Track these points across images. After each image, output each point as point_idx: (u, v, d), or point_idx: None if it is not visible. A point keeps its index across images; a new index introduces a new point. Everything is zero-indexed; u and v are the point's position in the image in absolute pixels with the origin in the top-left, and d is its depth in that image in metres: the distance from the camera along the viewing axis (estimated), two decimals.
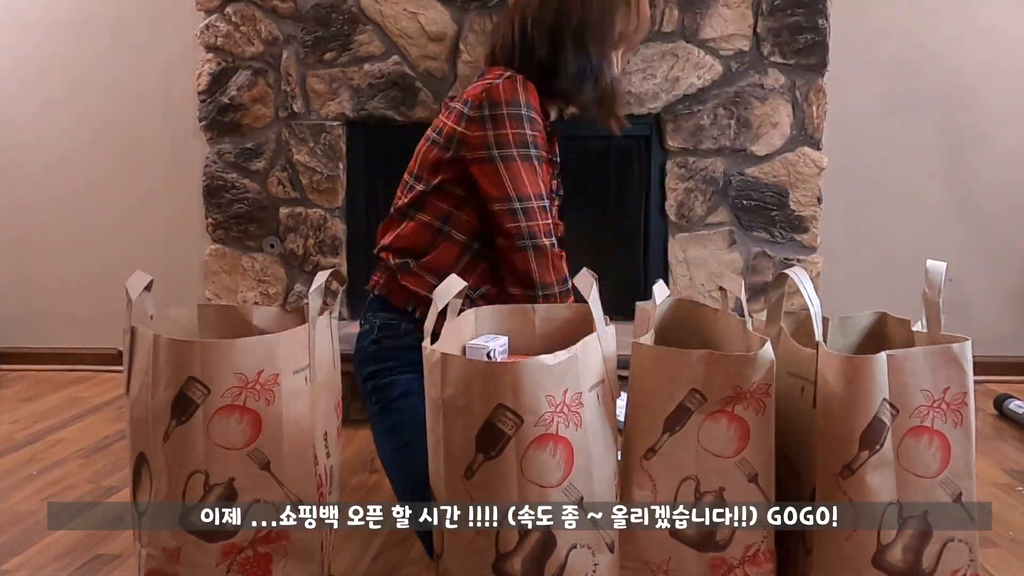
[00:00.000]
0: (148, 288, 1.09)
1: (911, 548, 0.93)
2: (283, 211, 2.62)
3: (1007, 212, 2.67)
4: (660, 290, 1.11)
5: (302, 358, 1.05)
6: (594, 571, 0.94)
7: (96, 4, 2.76)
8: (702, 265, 2.57)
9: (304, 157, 2.59)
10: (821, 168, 2.51)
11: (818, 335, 0.96)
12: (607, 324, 1.04)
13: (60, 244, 2.84)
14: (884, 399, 0.91)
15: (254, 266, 2.64)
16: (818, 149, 2.51)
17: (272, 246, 2.63)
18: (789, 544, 1.01)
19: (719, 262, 2.57)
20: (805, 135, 2.51)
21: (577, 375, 0.95)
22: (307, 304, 1.08)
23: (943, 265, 1.00)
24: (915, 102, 2.64)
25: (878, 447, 0.91)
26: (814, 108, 2.49)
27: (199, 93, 2.59)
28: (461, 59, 2.52)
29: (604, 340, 1.03)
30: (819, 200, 2.52)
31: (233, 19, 2.56)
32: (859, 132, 2.64)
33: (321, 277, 1.11)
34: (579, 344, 0.98)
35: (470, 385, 0.92)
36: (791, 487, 1.01)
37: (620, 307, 2.71)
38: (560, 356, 0.95)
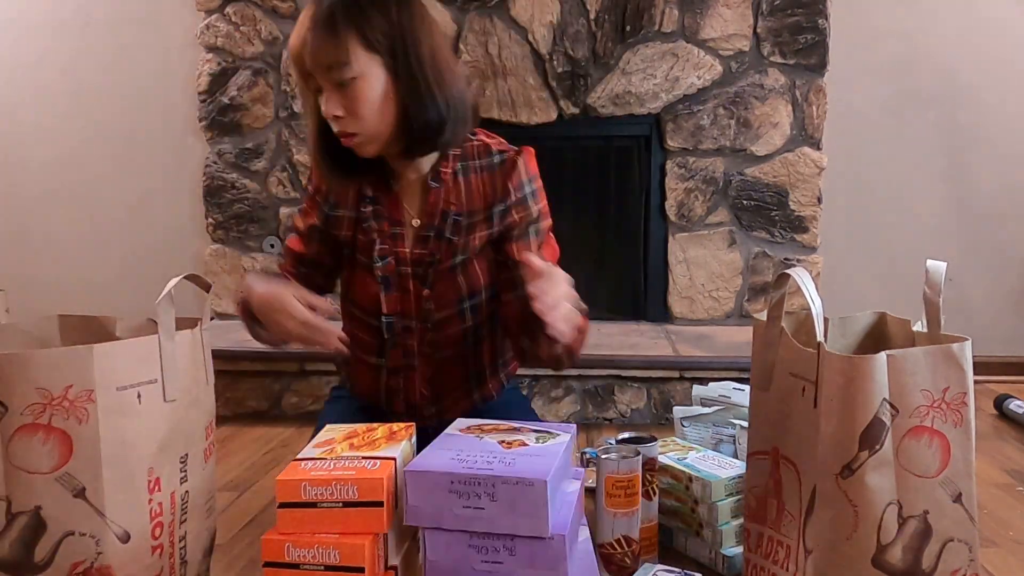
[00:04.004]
0: None
1: (911, 548, 0.93)
2: (283, 211, 2.62)
3: (1007, 212, 2.67)
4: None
5: (135, 373, 0.94)
6: None
7: (96, 4, 2.75)
8: (702, 265, 2.57)
9: (304, 157, 2.59)
10: (821, 168, 2.51)
11: (819, 335, 0.96)
12: None
13: (60, 244, 2.84)
14: (884, 399, 0.91)
15: (254, 266, 2.64)
16: (818, 149, 2.51)
17: (272, 246, 2.63)
18: (789, 544, 1.01)
19: (719, 262, 2.57)
20: (805, 135, 2.51)
21: None
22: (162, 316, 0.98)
23: (943, 265, 1.00)
24: (915, 102, 2.64)
25: (878, 447, 0.91)
26: (814, 108, 2.49)
27: (199, 93, 2.59)
28: (461, 59, 2.52)
29: None
30: (819, 200, 2.52)
31: (233, 19, 2.57)
32: (859, 132, 2.64)
33: (171, 283, 1.01)
34: None
35: None
36: (792, 487, 1.01)
37: (620, 307, 2.72)
38: None
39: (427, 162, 1.27)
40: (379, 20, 1.14)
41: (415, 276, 1.28)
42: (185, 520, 1.01)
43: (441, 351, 1.31)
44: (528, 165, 1.29)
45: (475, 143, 1.29)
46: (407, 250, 1.28)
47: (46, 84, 2.81)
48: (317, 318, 1.12)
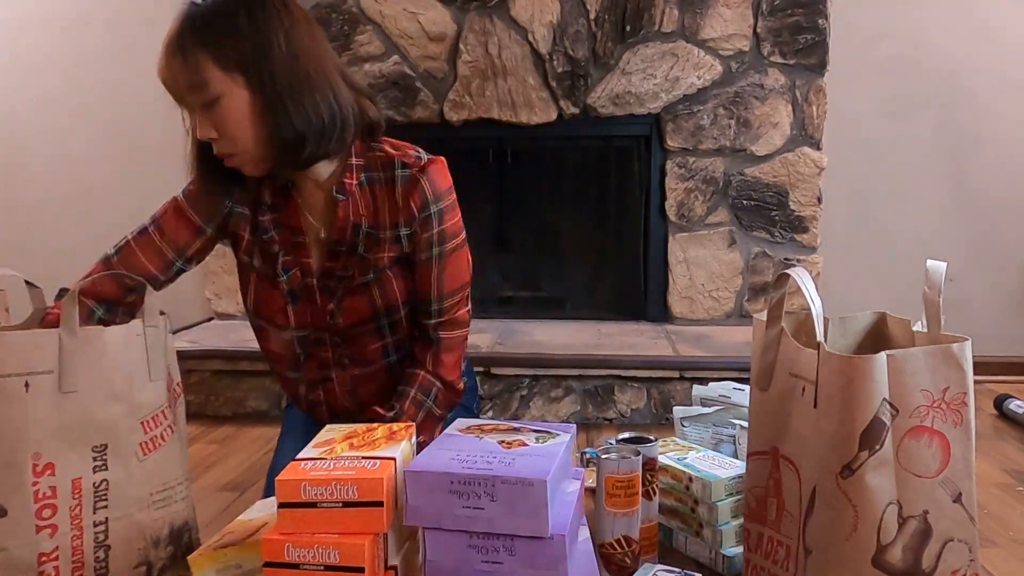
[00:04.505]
0: None
1: (911, 548, 0.93)
2: None
3: (1007, 212, 2.67)
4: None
5: (25, 363, 1.01)
6: None
7: (96, 4, 2.76)
8: (702, 265, 2.57)
9: None
10: (821, 168, 2.51)
11: (820, 335, 0.96)
12: None
13: (61, 245, 2.84)
14: (884, 399, 0.91)
15: None
16: (818, 149, 2.51)
17: None
18: (789, 544, 1.01)
19: (719, 262, 2.57)
20: (805, 135, 2.51)
21: None
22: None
23: (943, 265, 1.00)
24: (915, 102, 2.64)
25: (878, 447, 0.91)
26: (814, 108, 2.49)
27: None
28: (461, 59, 2.52)
29: None
30: (819, 200, 2.52)
31: None
32: (859, 132, 2.64)
33: (79, 283, 1.04)
34: None
35: None
36: (792, 487, 1.01)
37: (620, 307, 2.71)
38: None
39: (324, 171, 1.21)
40: (229, 37, 1.10)
41: (323, 290, 1.23)
42: (104, 508, 1.06)
43: (362, 366, 1.28)
44: (435, 182, 1.21)
45: (378, 153, 1.23)
46: (311, 261, 1.23)
47: (47, 86, 2.81)
48: None
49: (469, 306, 1.31)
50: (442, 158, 1.24)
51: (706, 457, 1.33)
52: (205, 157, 1.21)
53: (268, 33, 1.11)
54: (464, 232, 1.27)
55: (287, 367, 1.32)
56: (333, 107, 1.15)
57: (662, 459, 1.30)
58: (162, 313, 1.14)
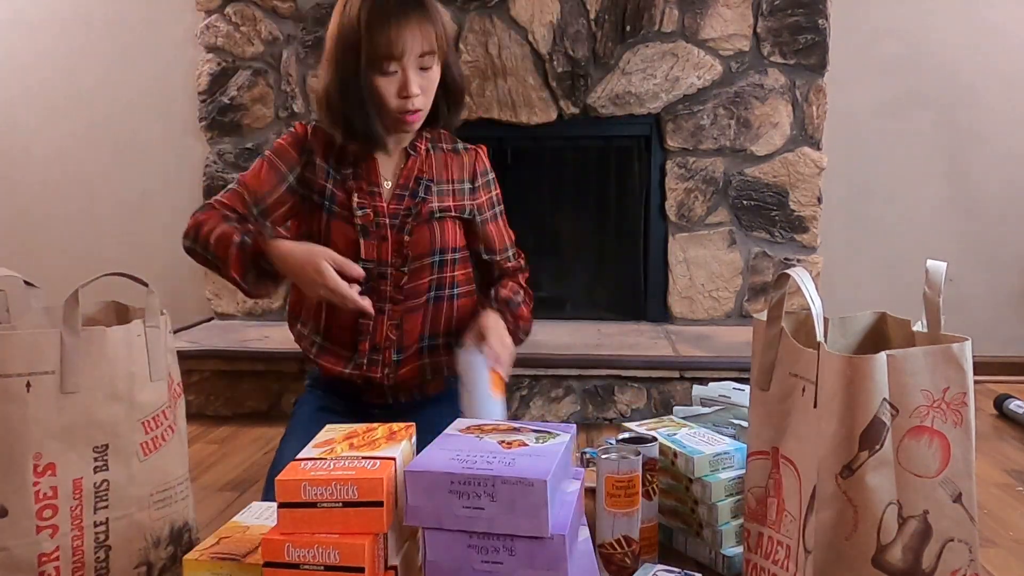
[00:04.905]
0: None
1: (911, 548, 0.93)
2: None
3: (1007, 212, 2.67)
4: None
5: (27, 363, 1.02)
6: None
7: (96, 4, 2.76)
8: (702, 265, 2.57)
9: None
10: (821, 168, 2.51)
11: (820, 335, 0.96)
12: None
13: (60, 245, 2.84)
14: (884, 399, 0.91)
15: None
16: (818, 149, 2.51)
17: None
18: (789, 544, 1.01)
19: (719, 262, 2.57)
20: (805, 135, 2.51)
21: None
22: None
23: (943, 265, 1.00)
24: (915, 102, 2.64)
25: (878, 447, 0.91)
26: (814, 108, 2.49)
27: (199, 93, 2.59)
28: (461, 59, 2.52)
29: None
30: (819, 200, 2.53)
31: (233, 19, 2.57)
32: (859, 132, 2.64)
33: (90, 280, 1.07)
34: None
35: None
36: (792, 487, 1.01)
37: (620, 307, 2.71)
38: None
39: (408, 137, 1.47)
40: (440, 13, 1.40)
41: (392, 227, 1.44)
42: (104, 508, 1.06)
43: (412, 298, 1.46)
44: (487, 159, 1.55)
45: (440, 132, 1.52)
46: (383, 204, 1.44)
47: (46, 84, 2.81)
48: (347, 288, 1.30)
49: None
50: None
51: (696, 434, 1.33)
52: (354, 116, 1.40)
53: (447, 29, 1.43)
54: None
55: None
56: (463, 89, 1.48)
57: (655, 433, 1.30)
58: (162, 313, 1.15)
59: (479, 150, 1.54)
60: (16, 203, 2.86)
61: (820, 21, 2.46)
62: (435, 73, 1.38)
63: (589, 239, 2.80)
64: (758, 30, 2.47)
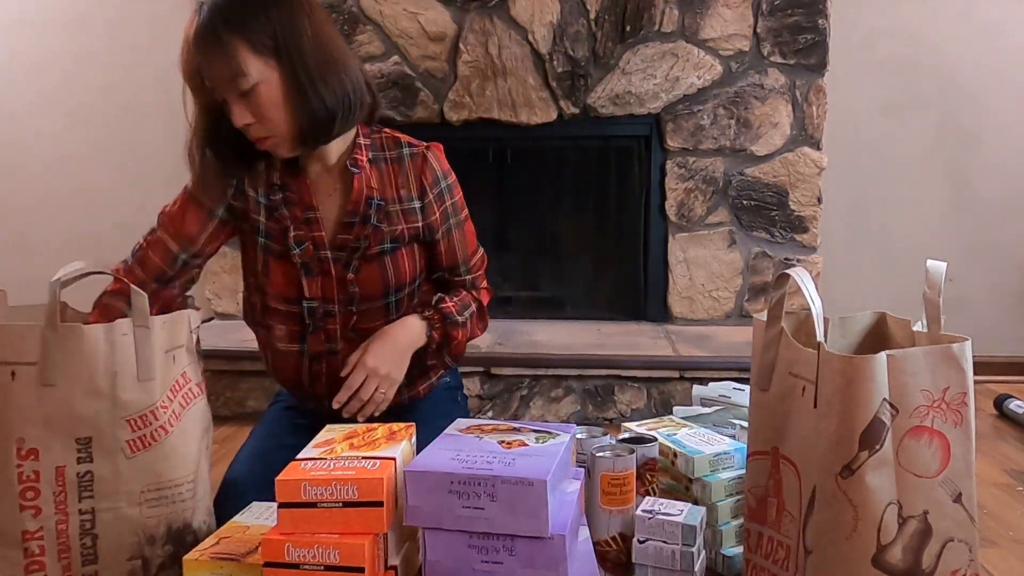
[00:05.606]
0: None
1: (911, 548, 0.93)
2: None
3: (1007, 212, 2.66)
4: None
5: (13, 353, 1.06)
6: None
7: (96, 4, 2.75)
8: (702, 265, 2.57)
9: None
10: (821, 168, 2.51)
11: (820, 335, 0.96)
12: None
13: (60, 244, 2.84)
14: (884, 399, 0.91)
15: None
16: (818, 149, 2.51)
17: None
18: (789, 544, 1.01)
19: (719, 262, 2.57)
20: (805, 135, 2.51)
21: None
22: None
23: (943, 265, 1.00)
24: (915, 102, 2.64)
25: (878, 447, 0.91)
26: (814, 108, 2.49)
27: None
28: (461, 59, 2.52)
29: None
30: (819, 200, 2.53)
31: None
32: (859, 132, 2.64)
33: (61, 272, 1.07)
34: None
35: None
36: (792, 487, 1.01)
37: (620, 307, 2.71)
38: None
39: (336, 150, 1.27)
40: (260, 22, 1.15)
41: (336, 261, 1.28)
42: (90, 498, 1.09)
43: (364, 338, 1.30)
44: (440, 160, 1.32)
45: (383, 135, 1.32)
46: (324, 234, 1.28)
47: (46, 85, 2.81)
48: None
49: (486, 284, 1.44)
50: (440, 145, 1.34)
51: (696, 434, 1.32)
52: (217, 139, 1.25)
53: (294, 18, 1.17)
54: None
55: (293, 341, 1.33)
56: (355, 85, 1.21)
57: (655, 433, 1.30)
58: (197, 308, 1.19)
59: (427, 153, 1.30)
60: (14, 202, 2.86)
61: (820, 21, 2.46)
62: (264, 91, 1.16)
63: (589, 239, 2.80)
64: (758, 30, 2.47)
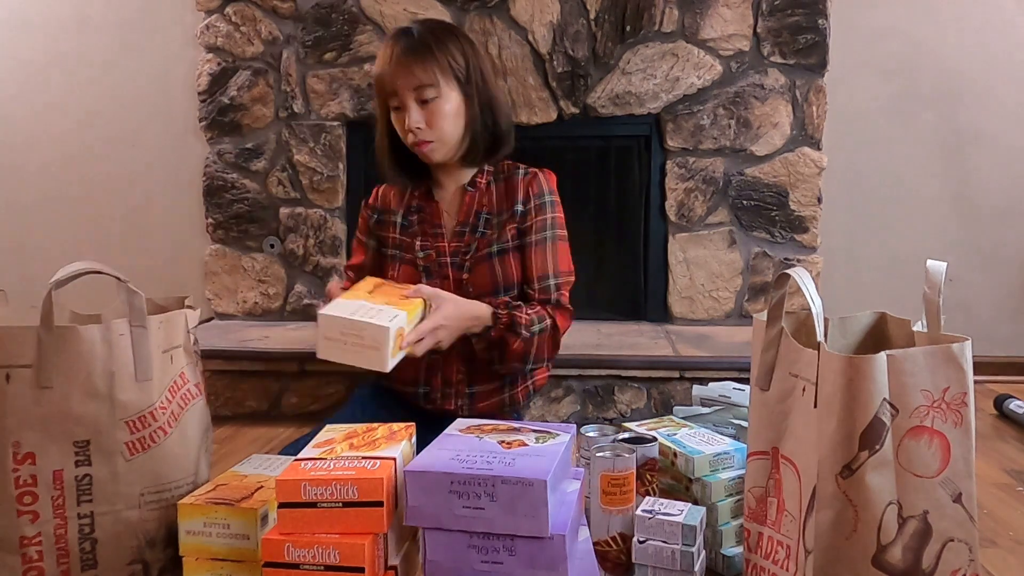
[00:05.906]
0: None
1: (911, 548, 0.93)
2: (283, 211, 2.62)
3: (1007, 212, 2.66)
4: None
5: (8, 356, 1.06)
6: None
7: (96, 4, 2.75)
8: (702, 265, 2.57)
9: (304, 157, 2.59)
10: (821, 168, 2.51)
11: (820, 335, 0.96)
12: None
13: (60, 245, 2.84)
14: (884, 399, 0.91)
15: (254, 266, 2.64)
16: (818, 149, 2.51)
17: (272, 246, 2.63)
18: (789, 544, 1.01)
19: (719, 262, 2.57)
20: (805, 135, 2.51)
21: None
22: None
23: (943, 265, 1.00)
24: (915, 102, 2.64)
25: (878, 447, 0.91)
26: (814, 108, 2.49)
27: (199, 93, 2.59)
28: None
29: None
30: (819, 200, 2.52)
31: (233, 19, 2.56)
32: (859, 132, 2.64)
33: (59, 274, 1.09)
34: None
35: None
36: (792, 487, 1.01)
37: (620, 307, 2.71)
38: None
39: (467, 174, 1.56)
40: (456, 51, 1.47)
41: (453, 265, 1.52)
42: (88, 502, 1.08)
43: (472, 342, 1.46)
44: (549, 180, 1.56)
45: (507, 163, 1.59)
46: (444, 244, 1.54)
47: (45, 84, 2.81)
48: None
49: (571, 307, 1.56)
50: (552, 173, 1.59)
51: (696, 434, 1.33)
52: (396, 153, 1.55)
53: (479, 59, 1.52)
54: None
55: None
56: (508, 127, 1.55)
57: (655, 433, 1.30)
58: (193, 308, 1.18)
59: (539, 172, 1.56)
60: (15, 203, 2.86)
61: (820, 21, 2.46)
62: (441, 105, 1.45)
63: (589, 239, 2.80)
64: (758, 30, 2.47)
